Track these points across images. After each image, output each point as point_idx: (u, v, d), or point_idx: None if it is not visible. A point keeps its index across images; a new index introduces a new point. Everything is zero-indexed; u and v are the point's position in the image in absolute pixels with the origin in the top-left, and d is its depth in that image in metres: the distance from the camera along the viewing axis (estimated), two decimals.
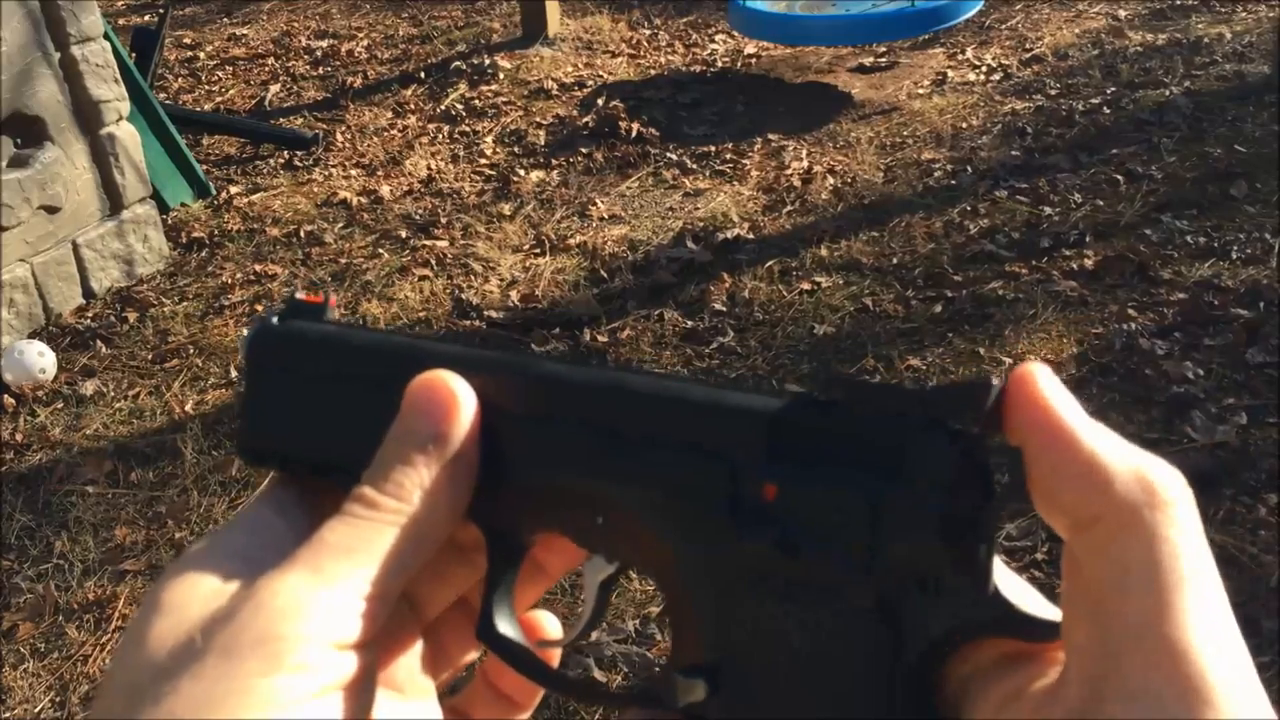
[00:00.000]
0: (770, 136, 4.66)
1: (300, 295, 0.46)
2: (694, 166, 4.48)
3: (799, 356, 3.25)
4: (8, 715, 2.36)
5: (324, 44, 6.26)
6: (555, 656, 0.46)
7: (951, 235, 3.78)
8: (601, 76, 5.45)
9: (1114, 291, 3.34)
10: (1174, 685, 0.28)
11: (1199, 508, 0.31)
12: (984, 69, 5.16)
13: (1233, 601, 0.30)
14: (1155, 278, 3.38)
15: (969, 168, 4.24)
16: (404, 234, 4.15)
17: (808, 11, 5.40)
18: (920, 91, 5.01)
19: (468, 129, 5.00)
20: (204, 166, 4.73)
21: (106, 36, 3.90)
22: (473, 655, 0.47)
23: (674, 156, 4.56)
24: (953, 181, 4.15)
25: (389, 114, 5.26)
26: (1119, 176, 4.01)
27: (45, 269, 3.73)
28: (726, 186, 4.31)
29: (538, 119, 5.03)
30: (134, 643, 0.36)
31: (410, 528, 0.38)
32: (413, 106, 5.31)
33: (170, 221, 4.33)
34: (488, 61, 5.62)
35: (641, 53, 5.78)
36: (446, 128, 5.04)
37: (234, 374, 3.44)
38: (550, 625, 0.46)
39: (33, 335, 3.66)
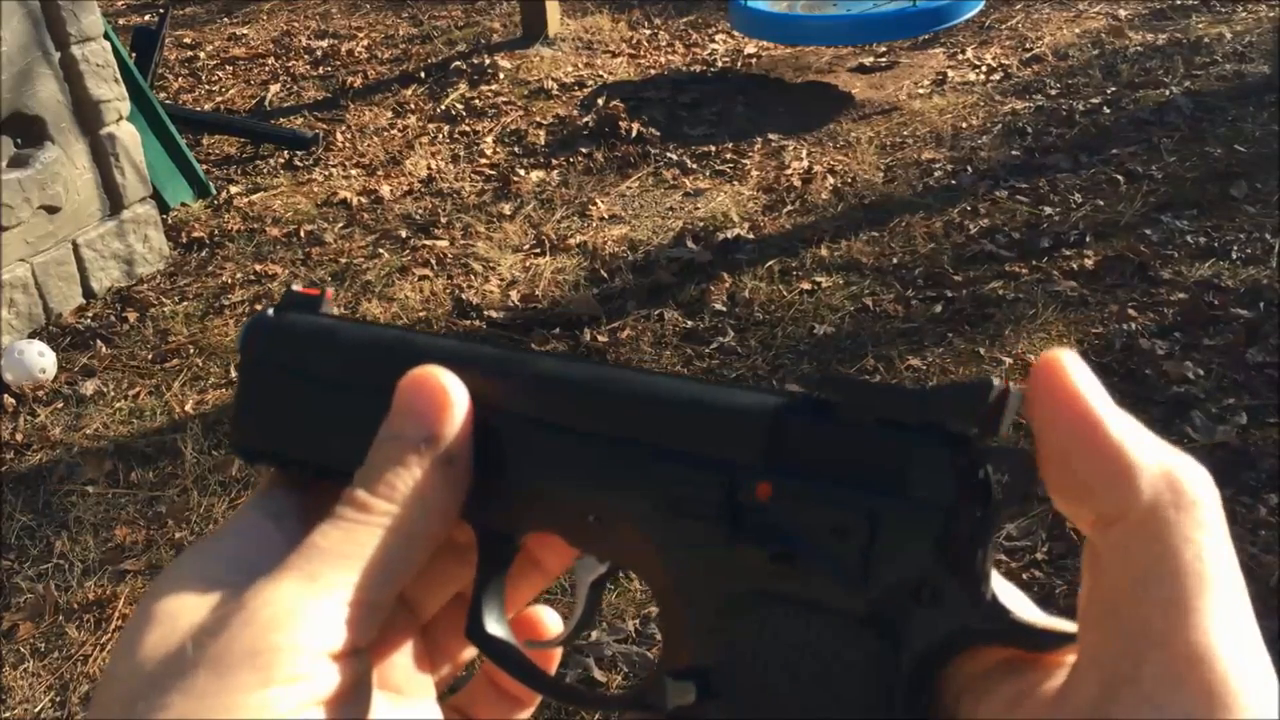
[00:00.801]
0: (770, 136, 4.66)
1: (297, 287, 0.45)
2: (694, 166, 4.48)
3: (799, 356, 3.24)
4: (8, 715, 2.35)
5: (324, 44, 6.26)
6: (555, 656, 0.45)
7: (951, 235, 3.77)
8: (601, 76, 5.45)
9: (1114, 291, 3.34)
10: (1194, 687, 0.28)
11: None
12: (984, 69, 5.16)
13: None
14: (1155, 278, 3.38)
15: (969, 168, 4.23)
16: (404, 234, 4.15)
17: (808, 11, 5.40)
18: (920, 91, 5.01)
19: (468, 129, 4.99)
20: (204, 166, 4.73)
21: (106, 36, 3.90)
22: (471, 653, 0.46)
23: (674, 156, 4.56)
24: (953, 181, 4.15)
25: (389, 114, 5.26)
26: (1119, 176, 4.01)
27: (45, 269, 3.73)
28: (726, 186, 4.31)
29: (538, 119, 5.03)
30: (126, 654, 0.35)
31: (404, 531, 0.37)
32: (413, 106, 5.31)
33: (170, 221, 4.33)
34: (488, 61, 5.61)
35: (641, 53, 5.78)
36: (446, 128, 5.04)
37: (234, 374, 3.43)
38: (550, 621, 0.46)
39: (33, 335, 3.66)
